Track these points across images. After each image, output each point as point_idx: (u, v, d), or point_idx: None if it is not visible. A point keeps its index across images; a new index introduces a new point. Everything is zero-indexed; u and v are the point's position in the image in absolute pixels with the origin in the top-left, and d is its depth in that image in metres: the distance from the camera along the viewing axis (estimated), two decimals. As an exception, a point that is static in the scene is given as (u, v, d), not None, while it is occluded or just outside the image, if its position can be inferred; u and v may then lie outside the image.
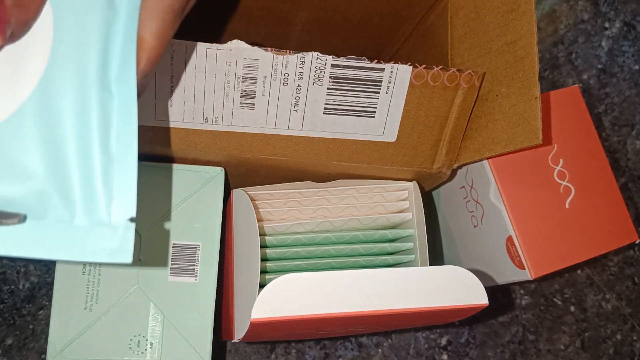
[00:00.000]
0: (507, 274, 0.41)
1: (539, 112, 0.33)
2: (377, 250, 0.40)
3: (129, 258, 0.21)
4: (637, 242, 0.45)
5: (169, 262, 0.36)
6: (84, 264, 0.36)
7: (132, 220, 0.21)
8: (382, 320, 0.34)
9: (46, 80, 0.21)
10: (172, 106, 0.34)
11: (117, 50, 0.22)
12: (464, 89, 0.36)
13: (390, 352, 0.53)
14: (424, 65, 0.35)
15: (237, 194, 0.39)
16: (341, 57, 0.34)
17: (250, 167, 0.38)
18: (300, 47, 0.50)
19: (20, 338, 0.47)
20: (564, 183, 0.41)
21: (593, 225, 0.40)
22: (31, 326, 0.48)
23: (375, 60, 0.34)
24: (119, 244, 0.21)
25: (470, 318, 0.54)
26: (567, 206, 0.40)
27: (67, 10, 0.21)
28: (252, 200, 0.38)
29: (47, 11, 0.21)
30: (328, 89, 0.35)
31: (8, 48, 0.21)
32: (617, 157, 0.63)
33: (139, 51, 0.22)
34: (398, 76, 0.35)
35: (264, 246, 0.38)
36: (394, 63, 0.34)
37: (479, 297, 0.33)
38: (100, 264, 0.36)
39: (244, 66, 0.33)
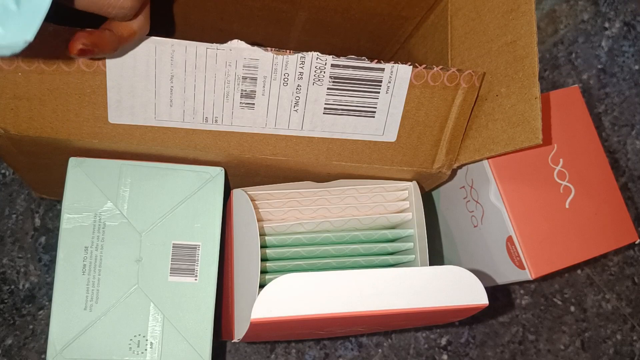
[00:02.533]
0: (507, 274, 0.41)
1: (539, 112, 0.33)
2: (377, 251, 0.40)
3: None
4: (637, 242, 0.45)
5: (169, 262, 0.36)
6: (84, 264, 0.36)
7: (25, 42, 0.23)
8: (382, 320, 0.34)
9: None
10: (172, 106, 0.34)
11: None
12: (464, 89, 0.36)
13: (390, 352, 0.53)
14: (424, 65, 0.35)
15: (237, 194, 0.39)
16: (341, 57, 0.34)
17: (250, 167, 0.38)
18: (300, 47, 0.50)
19: (20, 338, 0.47)
20: (564, 183, 0.41)
21: (593, 225, 0.40)
22: (31, 326, 0.48)
23: (375, 60, 0.34)
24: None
25: (470, 318, 0.54)
26: (567, 206, 0.40)
27: None
28: (252, 200, 0.38)
29: None
30: (328, 89, 0.35)
31: None
32: (617, 157, 0.63)
33: None
34: (398, 76, 0.35)
35: (264, 246, 0.38)
36: (394, 63, 0.34)
37: (479, 297, 0.33)
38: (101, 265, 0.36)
39: (244, 66, 0.33)
